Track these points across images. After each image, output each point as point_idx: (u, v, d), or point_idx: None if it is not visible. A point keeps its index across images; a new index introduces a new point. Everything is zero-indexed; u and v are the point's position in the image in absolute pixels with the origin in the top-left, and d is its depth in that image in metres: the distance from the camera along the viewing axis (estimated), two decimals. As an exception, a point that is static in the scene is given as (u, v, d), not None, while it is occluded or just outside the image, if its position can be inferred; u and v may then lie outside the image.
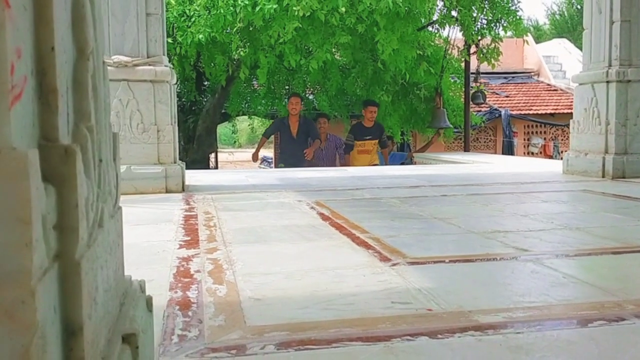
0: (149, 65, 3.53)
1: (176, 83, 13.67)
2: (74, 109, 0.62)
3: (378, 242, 2.00)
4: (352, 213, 2.64)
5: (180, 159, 11.58)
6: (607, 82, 4.13)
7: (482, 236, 2.10)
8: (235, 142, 17.36)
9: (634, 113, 4.08)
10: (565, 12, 29.13)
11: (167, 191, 3.52)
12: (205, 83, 12.70)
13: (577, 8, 26.97)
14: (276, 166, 8.05)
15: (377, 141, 7.84)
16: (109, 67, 3.46)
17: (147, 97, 3.53)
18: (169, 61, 9.11)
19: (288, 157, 7.51)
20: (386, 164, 7.97)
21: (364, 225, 2.31)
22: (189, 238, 2.12)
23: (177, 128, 3.74)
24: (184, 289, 1.49)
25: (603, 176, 4.10)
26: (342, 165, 7.86)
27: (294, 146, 7.60)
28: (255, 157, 8.00)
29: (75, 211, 0.56)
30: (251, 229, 2.31)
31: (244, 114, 13.97)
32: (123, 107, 3.50)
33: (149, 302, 0.95)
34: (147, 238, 2.18)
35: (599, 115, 4.20)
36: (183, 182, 3.67)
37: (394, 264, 1.69)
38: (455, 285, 1.50)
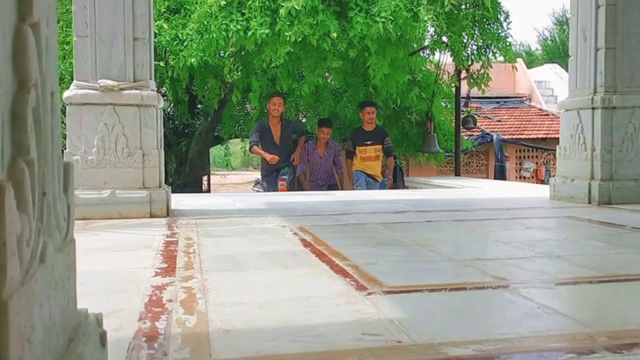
0: (136, 89, 3.54)
1: (170, 107, 13.58)
2: (11, 142, 0.61)
3: (357, 270, 1.98)
4: (334, 239, 2.62)
5: (172, 182, 11.34)
6: (593, 108, 4.15)
7: (461, 264, 2.09)
8: (228, 164, 17.32)
9: (619, 139, 4.10)
10: (557, 38, 29.49)
11: (152, 216, 3.50)
12: (199, 106, 12.74)
13: (568, 34, 27.22)
14: (262, 180, 7.52)
15: (380, 147, 7.38)
16: (94, 91, 3.47)
17: (133, 121, 3.53)
18: (162, 85, 9.20)
19: (270, 170, 7.01)
20: (389, 183, 7.51)
21: (344, 252, 2.29)
22: (166, 265, 2.09)
23: (163, 152, 3.72)
24: (154, 319, 1.46)
25: (589, 202, 4.10)
26: (340, 178, 7.55)
27: (274, 151, 7.01)
28: (272, 159, 7.08)
29: (2, 249, 0.54)
30: (231, 256, 2.29)
31: (236, 137, 13.98)
32: (108, 131, 3.49)
33: (102, 337, 0.93)
34: (123, 265, 2.15)
35: (584, 141, 4.22)
36: (168, 207, 3.65)
37: (370, 293, 1.68)
38: (428, 315, 1.48)
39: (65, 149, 3.53)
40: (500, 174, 15.85)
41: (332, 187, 7.48)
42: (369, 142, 7.39)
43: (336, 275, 1.93)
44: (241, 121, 12.83)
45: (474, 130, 15.09)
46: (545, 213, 3.69)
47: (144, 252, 2.37)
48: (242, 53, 7.99)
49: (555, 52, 28.26)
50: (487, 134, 16.51)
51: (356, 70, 9.09)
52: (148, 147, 3.56)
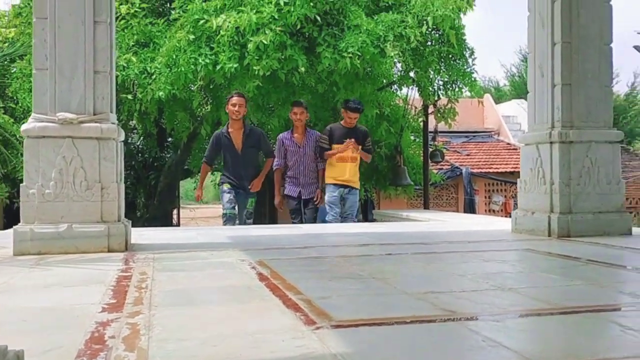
0: (95, 122, 3.51)
1: (139, 140, 13.44)
2: None
3: (309, 304, 1.97)
4: (291, 273, 2.61)
5: (140, 216, 11.11)
6: (551, 143, 4.24)
7: (414, 297, 2.09)
8: (192, 175, 17.05)
9: (576, 173, 4.19)
10: (524, 74, 30.22)
11: (110, 250, 3.44)
12: (168, 139, 12.69)
13: (534, 70, 27.95)
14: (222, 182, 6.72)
15: (359, 147, 6.57)
16: (53, 124, 3.44)
17: (92, 154, 3.49)
18: (131, 118, 9.14)
19: (232, 177, 6.40)
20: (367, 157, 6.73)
21: (299, 286, 2.27)
22: (114, 301, 2.05)
23: (122, 186, 3.68)
24: (92, 356, 1.43)
25: (549, 235, 4.16)
26: (322, 172, 6.69)
27: (237, 165, 6.39)
28: (198, 194, 7.00)
29: None
30: (184, 291, 2.26)
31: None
32: (67, 164, 3.45)
33: (18, 375, 0.90)
34: (72, 301, 2.10)
35: (543, 175, 4.30)
36: (127, 241, 3.59)
37: (318, 328, 1.66)
38: (373, 350, 1.47)
39: (23, 182, 3.47)
40: (470, 208, 16.02)
41: (310, 199, 6.61)
42: (348, 140, 6.55)
43: (287, 309, 1.91)
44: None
45: (443, 163, 15.29)
46: (505, 246, 3.72)
47: (95, 287, 2.32)
48: (211, 86, 8.02)
49: (522, 87, 28.91)
50: (457, 167, 16.73)
51: (326, 104, 9.17)
52: (107, 181, 3.52)
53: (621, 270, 2.76)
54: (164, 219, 14.12)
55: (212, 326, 1.71)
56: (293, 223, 6.52)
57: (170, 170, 12.49)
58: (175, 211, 15.04)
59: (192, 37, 7.47)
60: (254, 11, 7.27)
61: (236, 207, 6.38)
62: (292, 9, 7.19)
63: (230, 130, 6.43)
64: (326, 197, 6.59)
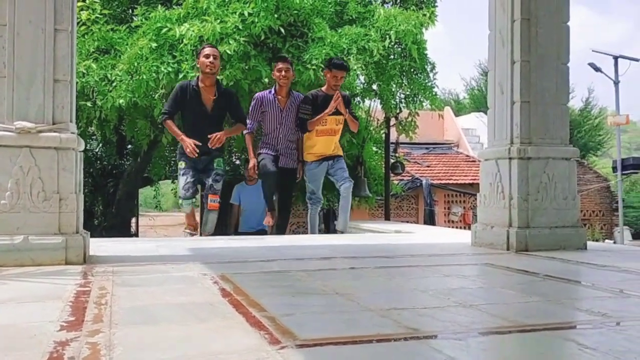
0: (54, 132, 3.43)
1: (98, 147, 13.18)
2: None
3: (273, 321, 1.96)
4: (254, 288, 2.59)
5: (98, 224, 10.78)
6: (510, 158, 4.34)
7: (378, 314, 2.10)
8: (158, 206, 16.95)
9: (534, 189, 4.29)
10: (483, 88, 30.88)
11: (67, 263, 3.35)
12: (128, 146, 12.48)
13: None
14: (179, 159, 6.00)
15: (342, 119, 6.08)
16: (10, 133, 3.35)
17: (51, 164, 3.41)
18: (90, 125, 8.96)
19: (196, 137, 5.55)
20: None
21: (263, 302, 2.26)
22: (73, 319, 2.00)
23: (81, 196, 3.61)
24: (50, 379, 1.39)
25: (508, 249, 4.24)
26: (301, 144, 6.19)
27: (203, 127, 5.55)
28: (191, 152, 5.49)
29: None
30: (145, 308, 2.22)
31: (167, 178, 13.78)
32: (24, 174, 3.36)
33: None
34: (28, 318, 2.04)
35: (502, 190, 4.39)
36: (85, 253, 3.51)
37: (282, 347, 1.66)
38: (338, 370, 1.47)
39: (-24, 192, 3.36)
40: (430, 218, 16.23)
41: (290, 171, 6.15)
42: (335, 98, 5.97)
43: (251, 328, 1.90)
44: (172, 162, 12.66)
45: (404, 174, 15.47)
46: (465, 260, 3.78)
47: (53, 303, 2.26)
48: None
49: (482, 100, 29.56)
50: (417, 178, 16.95)
51: (289, 114, 9.15)
52: (66, 192, 3.44)
53: (578, 287, 2.84)
54: (123, 228, 13.88)
55: (175, 346, 1.69)
56: (266, 193, 6.14)
57: (130, 178, 12.30)
58: (134, 220, 14.81)
59: (154, 45, 7.39)
60: (218, 21, 7.24)
61: (195, 190, 5.84)
62: (256, 20, 7.19)
63: (200, 85, 5.61)
64: (306, 177, 6.21)
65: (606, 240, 19.82)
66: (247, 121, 6.01)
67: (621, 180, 17.21)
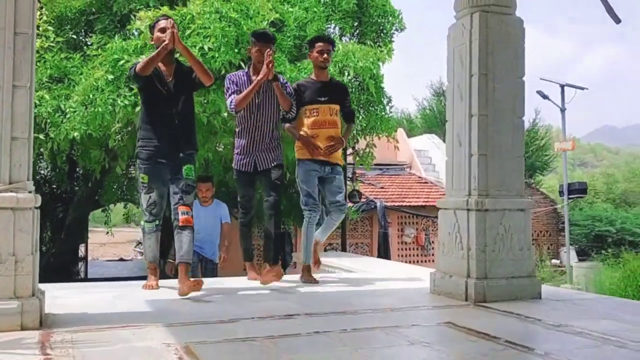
0: (11, 192, 3.33)
1: (47, 169, 12.72)
2: None
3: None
4: (221, 367, 2.57)
5: (46, 251, 10.34)
6: (468, 210, 4.44)
7: (349, 406, 2.11)
8: (106, 222, 16.45)
9: (491, 240, 4.40)
10: (435, 108, 31.52)
11: (23, 328, 3.24)
12: (78, 169, 12.15)
13: (444, 104, 29.32)
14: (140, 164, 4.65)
15: (337, 108, 5.19)
16: (-37, 194, 3.22)
17: (6, 226, 3.30)
18: (40, 156, 8.69)
19: (157, 140, 4.49)
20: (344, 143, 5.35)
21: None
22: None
23: (38, 255, 3.50)
24: None
25: (466, 299, 4.32)
26: (290, 131, 5.21)
27: (166, 114, 4.49)
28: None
29: None
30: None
31: (119, 201, 13.48)
32: (-23, 236, 3.24)
33: None
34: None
35: (461, 240, 4.48)
36: (41, 317, 3.40)
37: None
38: None
39: None
40: (384, 241, 16.36)
41: (271, 170, 4.98)
42: (323, 99, 5.11)
43: None
44: (124, 186, 12.42)
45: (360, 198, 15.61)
46: (427, 316, 3.84)
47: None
48: (129, 128, 7.80)
49: (433, 121, 30.16)
50: (372, 200, 17.09)
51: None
52: (22, 253, 3.34)
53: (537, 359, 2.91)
54: (72, 254, 13.50)
55: None
56: (245, 213, 5.18)
57: (80, 203, 12.00)
58: (82, 246, 14.44)
59: (111, 77, 7.26)
60: (178, 55, 7.17)
61: (162, 208, 4.66)
62: (216, 55, 7.16)
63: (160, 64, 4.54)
64: (299, 178, 5.14)
65: (553, 260, 20.43)
66: (228, 99, 4.95)
67: (567, 204, 17.80)
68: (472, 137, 4.48)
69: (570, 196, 17.94)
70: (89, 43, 8.36)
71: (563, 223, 19.85)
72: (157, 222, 4.67)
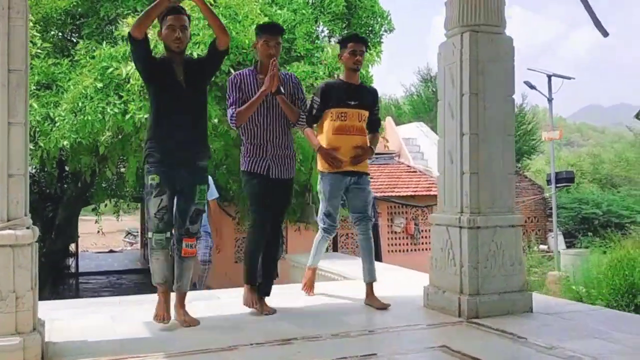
0: (10, 229, 3.35)
1: (35, 169, 12.68)
2: None
3: None
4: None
5: (38, 250, 10.01)
6: (460, 227, 4.51)
7: None
8: (97, 221, 16.49)
9: (483, 257, 4.48)
10: (422, 94, 31.54)
11: (25, 364, 3.29)
12: (68, 169, 12.10)
13: (432, 90, 29.40)
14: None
15: (367, 113, 4.83)
16: (-38, 234, 3.24)
17: (6, 263, 3.33)
18: (28, 164, 8.67)
19: (166, 144, 4.03)
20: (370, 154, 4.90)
21: None
22: None
23: (37, 290, 3.53)
24: None
25: (459, 315, 4.42)
26: (307, 134, 4.80)
27: (179, 114, 4.02)
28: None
29: None
30: None
31: (109, 199, 13.47)
32: (-23, 275, 3.26)
33: None
34: None
35: (453, 257, 4.57)
36: (43, 350, 3.45)
37: None
38: None
39: None
40: (374, 231, 16.47)
41: (286, 182, 4.54)
42: (353, 102, 4.72)
43: None
44: (114, 185, 12.40)
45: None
46: (422, 339, 3.90)
47: None
48: (120, 136, 7.78)
49: (421, 107, 30.22)
50: (361, 192, 17.19)
51: (237, 142, 9.18)
52: (22, 290, 3.37)
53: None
54: (62, 254, 13.49)
55: None
56: (260, 222, 4.46)
57: (70, 202, 11.98)
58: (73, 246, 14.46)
59: (100, 85, 7.24)
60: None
61: (172, 219, 4.07)
62: (205, 61, 7.13)
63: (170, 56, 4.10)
64: (322, 193, 4.83)
65: (541, 246, 20.69)
66: (229, 110, 4.43)
67: (555, 193, 18.00)
68: (464, 155, 4.54)
69: (557, 185, 18.15)
70: (76, 47, 8.29)
71: (551, 209, 20.07)
72: (167, 233, 4.04)
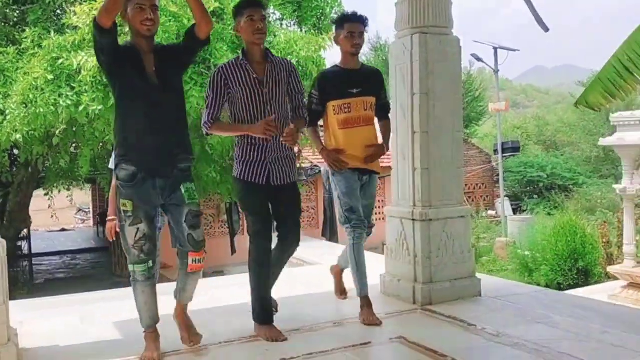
0: (-21, 247, 3.42)
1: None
2: None
3: None
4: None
5: None
6: (413, 220, 4.78)
7: None
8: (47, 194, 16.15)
9: (436, 247, 4.77)
10: (373, 62, 31.68)
11: (2, 377, 3.41)
12: (18, 156, 11.88)
13: (382, 59, 29.61)
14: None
15: (373, 100, 4.36)
16: None
17: (-23, 281, 3.41)
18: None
19: (142, 151, 3.39)
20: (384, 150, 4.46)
21: None
22: None
23: (9, 305, 3.63)
24: None
25: (414, 302, 4.72)
26: (311, 135, 4.46)
27: (155, 116, 3.39)
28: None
29: None
30: None
31: (63, 183, 13.27)
32: (-51, 294, 3.34)
33: None
34: None
35: (407, 247, 4.85)
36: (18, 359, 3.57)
37: None
38: None
39: None
40: (329, 205, 16.77)
41: (288, 187, 3.98)
42: (355, 90, 4.26)
43: None
44: (67, 170, 12.21)
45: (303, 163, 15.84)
46: (380, 330, 4.14)
47: None
48: (74, 128, 7.71)
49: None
50: (315, 165, 17.38)
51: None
52: (-5, 305, 3.47)
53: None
54: (16, 240, 13.29)
55: None
56: (262, 229, 3.89)
57: (21, 188, 11.80)
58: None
59: (50, 76, 7.14)
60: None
61: (154, 245, 3.54)
62: (158, 50, 7.12)
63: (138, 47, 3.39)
64: (340, 190, 4.39)
65: (488, 212, 21.47)
66: (204, 113, 3.83)
67: (502, 162, 18.64)
68: (415, 152, 4.78)
69: (504, 155, 18.80)
70: (23, 35, 8.10)
71: (498, 175, 20.79)
72: (150, 263, 3.50)
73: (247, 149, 3.85)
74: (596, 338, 3.84)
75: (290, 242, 4.07)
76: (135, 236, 3.43)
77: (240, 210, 13.27)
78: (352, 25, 4.25)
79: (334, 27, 4.48)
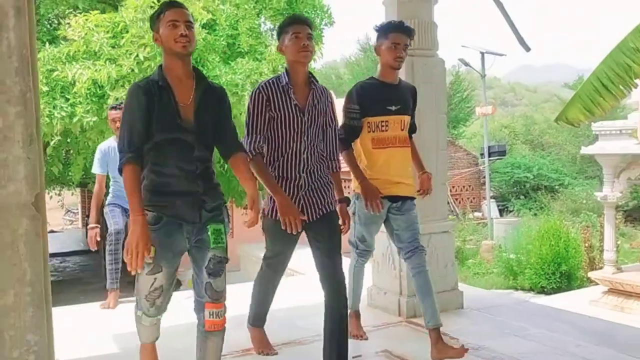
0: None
1: None
2: None
3: None
4: None
5: None
6: (399, 235, 4.97)
7: None
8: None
9: (420, 261, 4.97)
10: (362, 63, 31.97)
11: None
12: None
13: (371, 59, 29.88)
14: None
15: (409, 118, 4.00)
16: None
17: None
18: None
19: (167, 194, 2.86)
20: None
21: None
22: None
23: None
24: None
25: (399, 314, 4.93)
26: (349, 161, 3.91)
27: (185, 153, 2.81)
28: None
29: None
30: None
31: (55, 185, 13.38)
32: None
33: None
34: None
35: (393, 261, 5.05)
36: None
37: None
38: None
39: None
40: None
41: (328, 216, 3.49)
42: (393, 107, 3.89)
43: None
44: (59, 176, 12.32)
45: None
46: (366, 344, 4.35)
47: None
48: (68, 140, 7.85)
49: (361, 77, 30.62)
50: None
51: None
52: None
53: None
54: None
55: None
56: (273, 271, 3.90)
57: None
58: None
59: (45, 88, 7.27)
60: (114, 65, 7.25)
61: (169, 296, 3.10)
62: (152, 64, 7.29)
63: (169, 77, 2.84)
64: (358, 219, 4.08)
65: (475, 213, 21.78)
66: (246, 140, 3.36)
67: (488, 165, 18.92)
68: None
69: (490, 158, 19.09)
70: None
71: (484, 177, 21.09)
72: (159, 317, 3.18)
73: (278, 183, 3.38)
74: (570, 351, 4.07)
75: (336, 283, 3.61)
76: (151, 287, 2.98)
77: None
78: (397, 36, 3.79)
79: (376, 35, 3.96)
